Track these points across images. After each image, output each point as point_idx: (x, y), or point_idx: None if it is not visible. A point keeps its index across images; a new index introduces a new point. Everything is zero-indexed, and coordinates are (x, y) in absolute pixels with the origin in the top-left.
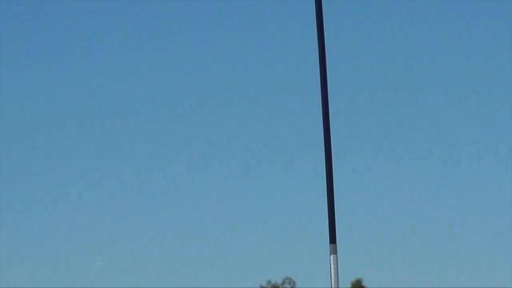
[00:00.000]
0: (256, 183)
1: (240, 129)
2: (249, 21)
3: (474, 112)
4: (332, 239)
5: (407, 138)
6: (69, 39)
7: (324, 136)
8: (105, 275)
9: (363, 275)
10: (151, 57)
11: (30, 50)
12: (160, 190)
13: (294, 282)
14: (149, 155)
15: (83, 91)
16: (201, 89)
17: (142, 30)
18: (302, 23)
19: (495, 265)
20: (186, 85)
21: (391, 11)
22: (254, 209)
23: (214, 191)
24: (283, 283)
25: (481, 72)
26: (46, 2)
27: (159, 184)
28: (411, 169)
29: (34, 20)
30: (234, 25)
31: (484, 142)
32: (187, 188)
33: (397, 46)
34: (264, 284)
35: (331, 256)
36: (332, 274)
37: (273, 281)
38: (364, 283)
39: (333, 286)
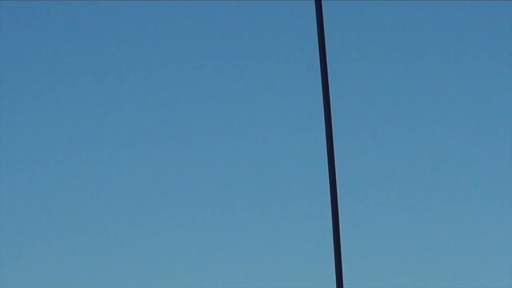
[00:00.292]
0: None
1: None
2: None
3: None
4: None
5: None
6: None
7: (330, 189)
8: (105, 275)
9: None
10: (150, 58)
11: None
12: (160, 191)
13: None
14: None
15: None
16: (201, 89)
17: (139, 31)
18: (302, 23)
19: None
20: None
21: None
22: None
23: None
24: None
25: (487, 74)
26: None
27: (159, 184)
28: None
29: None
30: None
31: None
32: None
33: (399, 45)
34: None
35: None
36: None
37: None
38: None
39: None
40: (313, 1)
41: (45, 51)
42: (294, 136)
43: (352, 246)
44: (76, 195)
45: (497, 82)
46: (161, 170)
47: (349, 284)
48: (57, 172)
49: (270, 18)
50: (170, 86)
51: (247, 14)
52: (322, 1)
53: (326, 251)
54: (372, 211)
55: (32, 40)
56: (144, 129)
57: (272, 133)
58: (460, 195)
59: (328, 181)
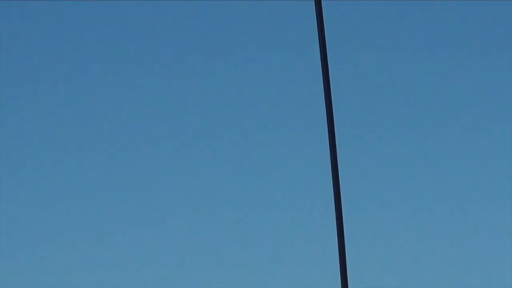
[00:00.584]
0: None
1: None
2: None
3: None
4: None
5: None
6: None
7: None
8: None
9: None
10: (149, 57)
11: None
12: (159, 192)
13: None
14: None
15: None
16: (201, 89)
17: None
18: (302, 23)
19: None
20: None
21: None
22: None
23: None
24: None
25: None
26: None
27: (158, 185)
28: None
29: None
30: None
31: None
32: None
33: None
34: None
35: None
36: None
37: None
38: None
39: None
40: (313, 1)
41: (42, 51)
42: (297, 137)
43: (356, 246)
44: (76, 194)
45: (499, 82)
46: (164, 171)
47: (353, 285)
48: (56, 172)
49: (270, 18)
50: (170, 86)
51: (247, 14)
52: (322, 1)
53: (331, 252)
54: (376, 211)
55: (32, 40)
56: (145, 129)
57: (275, 134)
58: (465, 195)
59: (332, 181)
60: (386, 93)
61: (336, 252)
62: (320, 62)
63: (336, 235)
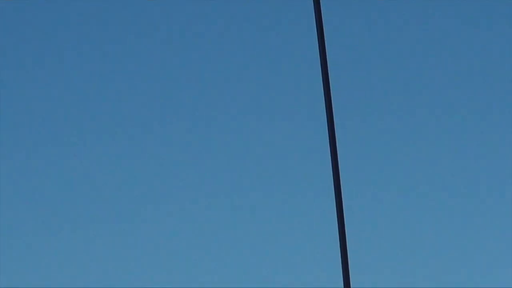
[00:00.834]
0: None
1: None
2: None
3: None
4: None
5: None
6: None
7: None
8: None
9: None
10: (149, 56)
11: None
12: (160, 194)
13: None
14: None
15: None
16: (200, 89)
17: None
18: (302, 24)
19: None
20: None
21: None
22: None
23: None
24: None
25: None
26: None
27: (158, 185)
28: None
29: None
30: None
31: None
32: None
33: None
34: None
35: None
36: None
37: None
38: None
39: None
40: (312, 2)
41: (42, 51)
42: (297, 137)
43: (358, 244)
44: (76, 194)
45: (500, 82)
46: (163, 167)
47: (355, 284)
48: (56, 171)
49: (270, 18)
50: (170, 86)
51: (247, 14)
52: (321, 1)
53: (332, 250)
54: (377, 209)
55: (32, 40)
56: (145, 129)
57: (275, 134)
58: (466, 194)
59: (332, 178)
60: (386, 93)
61: (337, 252)
62: (320, 62)
63: (338, 234)
